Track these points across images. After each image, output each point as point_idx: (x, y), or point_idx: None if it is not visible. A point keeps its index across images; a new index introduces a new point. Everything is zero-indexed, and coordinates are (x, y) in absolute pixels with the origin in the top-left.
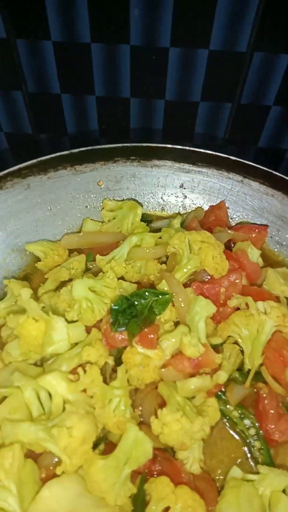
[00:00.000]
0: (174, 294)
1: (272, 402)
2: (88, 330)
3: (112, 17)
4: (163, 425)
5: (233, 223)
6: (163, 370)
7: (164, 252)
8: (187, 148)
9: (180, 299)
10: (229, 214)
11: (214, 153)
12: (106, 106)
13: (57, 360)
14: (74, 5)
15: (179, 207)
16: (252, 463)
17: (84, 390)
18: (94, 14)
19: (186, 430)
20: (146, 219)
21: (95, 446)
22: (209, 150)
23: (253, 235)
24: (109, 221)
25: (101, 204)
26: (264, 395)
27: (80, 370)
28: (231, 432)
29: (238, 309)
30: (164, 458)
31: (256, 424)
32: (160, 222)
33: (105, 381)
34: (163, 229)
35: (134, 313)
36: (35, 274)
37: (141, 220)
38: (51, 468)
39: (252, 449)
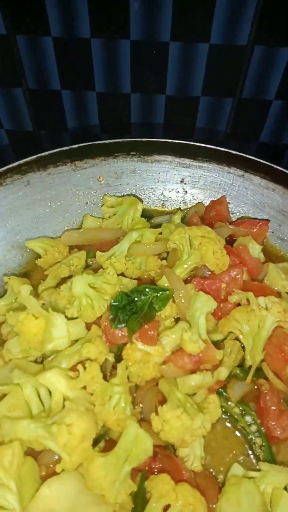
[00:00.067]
0: (174, 290)
1: (273, 399)
2: (88, 326)
3: (112, 12)
4: (164, 422)
5: (234, 218)
6: (163, 366)
7: (164, 248)
8: (188, 143)
9: (180, 295)
10: (230, 209)
11: (214, 147)
12: (107, 102)
13: (57, 357)
14: (74, 1)
15: (180, 202)
16: (253, 460)
17: (84, 387)
18: (94, 9)
19: (186, 427)
20: (147, 214)
21: (95, 443)
22: (210, 145)
23: (254, 230)
24: (109, 217)
25: (101, 200)
26: (265, 392)
27: (80, 367)
28: (232, 429)
29: (239, 304)
30: (165, 456)
31: (258, 420)
32: (161, 218)
33: (105, 378)
34: (164, 225)
35: (134, 309)
36: (35, 271)
37: (142, 216)
38: (51, 465)
39: (253, 446)
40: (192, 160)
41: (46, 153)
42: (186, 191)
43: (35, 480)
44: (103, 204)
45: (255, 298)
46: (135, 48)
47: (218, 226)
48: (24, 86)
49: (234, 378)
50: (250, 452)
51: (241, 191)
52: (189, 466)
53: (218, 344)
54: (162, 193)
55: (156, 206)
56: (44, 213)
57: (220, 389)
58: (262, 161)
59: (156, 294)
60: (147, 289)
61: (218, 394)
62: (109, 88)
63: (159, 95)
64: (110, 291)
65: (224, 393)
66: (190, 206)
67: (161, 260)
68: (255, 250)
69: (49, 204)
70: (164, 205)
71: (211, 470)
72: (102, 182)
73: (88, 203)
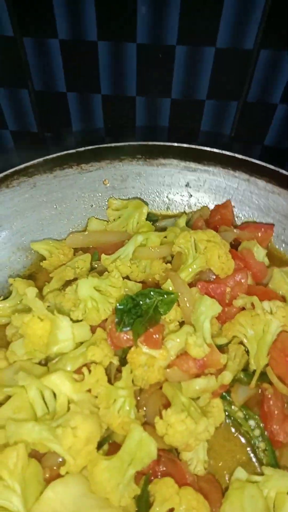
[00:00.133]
0: (179, 293)
1: (277, 403)
2: (93, 329)
3: (119, 15)
4: (168, 425)
5: (239, 222)
6: (168, 370)
7: (169, 252)
8: (193, 146)
9: (185, 299)
10: (235, 213)
11: (220, 151)
12: (112, 105)
13: (62, 360)
14: (81, 3)
15: (185, 206)
16: (256, 464)
17: (89, 390)
18: (101, 12)
19: (190, 431)
20: (152, 218)
21: (99, 446)
22: (215, 148)
23: (259, 234)
24: (114, 220)
25: (107, 203)
26: (269, 396)
27: (85, 369)
28: (236, 433)
29: (243, 309)
30: (169, 459)
31: (261, 425)
32: (166, 221)
33: (109, 381)
34: (169, 228)
35: (139, 312)
36: (40, 273)
37: (147, 219)
38: (55, 468)
39: (256, 450)
40: (197, 164)
41: (53, 155)
42: (191, 195)
43: (39, 482)
44: (108, 207)
45: (260, 302)
46: (141, 51)
47: (223, 230)
48: (30, 87)
49: (238, 382)
50: (253, 456)
51: (246, 195)
52: (192, 469)
53: (222, 348)
54: (167, 197)
55: (161, 209)
56: (50, 215)
57: (224, 393)
58: (267, 165)
59: (161, 297)
60: (152, 293)
61: (221, 398)
62: (114, 90)
63: (165, 98)
64: (115, 294)
65: (228, 397)
66: (195, 209)
67: (166, 263)
68: (259, 254)
69: (55, 206)
70: (169, 208)
71: (214, 474)
72: (108, 185)
73: (94, 206)
